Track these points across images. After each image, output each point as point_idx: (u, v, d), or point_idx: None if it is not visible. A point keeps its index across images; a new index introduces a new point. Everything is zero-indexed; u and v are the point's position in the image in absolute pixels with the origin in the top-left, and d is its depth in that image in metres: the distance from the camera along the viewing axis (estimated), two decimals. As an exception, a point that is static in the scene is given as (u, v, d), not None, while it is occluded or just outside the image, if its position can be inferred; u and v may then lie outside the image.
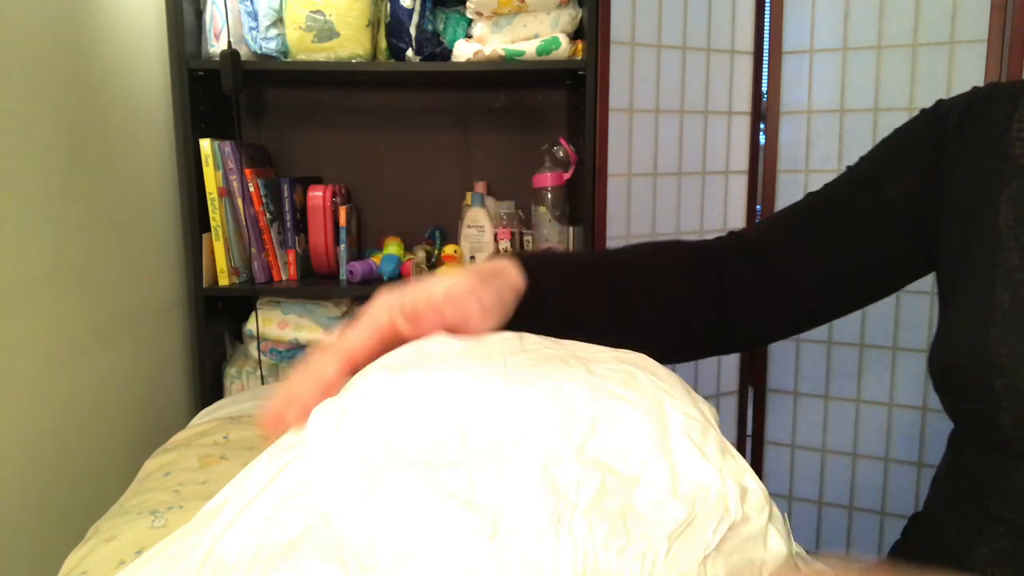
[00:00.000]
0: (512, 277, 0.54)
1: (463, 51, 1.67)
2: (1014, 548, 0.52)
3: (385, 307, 0.48)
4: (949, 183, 0.63)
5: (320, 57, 1.63)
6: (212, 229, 1.66)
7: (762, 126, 1.94)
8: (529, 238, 1.85)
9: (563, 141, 1.83)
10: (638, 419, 0.35)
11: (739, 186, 1.94)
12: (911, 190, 0.65)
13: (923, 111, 0.67)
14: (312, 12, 1.59)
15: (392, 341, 0.47)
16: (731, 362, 2.01)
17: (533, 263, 0.57)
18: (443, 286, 0.48)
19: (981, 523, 0.55)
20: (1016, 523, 0.52)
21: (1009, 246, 0.57)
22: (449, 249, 1.78)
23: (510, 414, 0.35)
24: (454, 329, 0.47)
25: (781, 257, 0.68)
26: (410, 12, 1.65)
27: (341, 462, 0.35)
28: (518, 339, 0.47)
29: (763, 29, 1.89)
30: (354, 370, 0.44)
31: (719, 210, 1.93)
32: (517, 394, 0.36)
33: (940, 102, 0.66)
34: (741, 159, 1.94)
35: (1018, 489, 0.53)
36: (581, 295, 0.60)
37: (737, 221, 1.94)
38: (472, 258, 1.80)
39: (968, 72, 1.67)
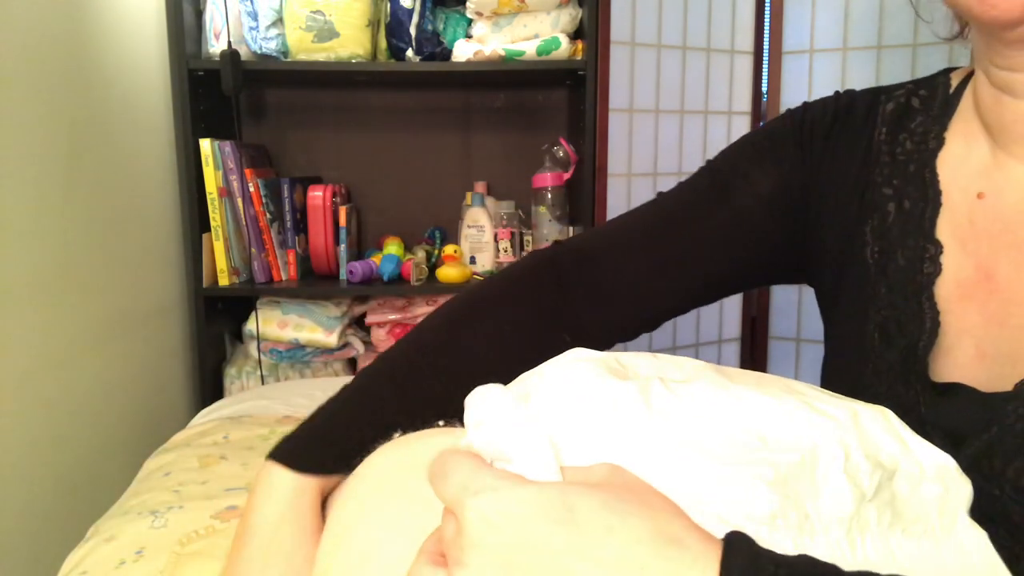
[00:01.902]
0: (297, 515, 0.51)
1: (463, 51, 1.67)
2: None
3: None
4: (817, 199, 0.61)
5: (320, 57, 1.63)
6: (212, 229, 1.66)
7: (762, 126, 1.94)
8: (529, 238, 1.86)
9: (563, 141, 1.83)
10: (875, 418, 0.41)
11: (739, 186, 1.94)
12: (766, 198, 0.62)
13: (790, 111, 0.65)
14: (312, 12, 1.59)
15: None
16: (731, 363, 2.01)
17: (305, 445, 0.54)
18: None
19: None
20: None
21: (876, 280, 0.56)
22: (449, 249, 1.78)
23: (791, 420, 0.40)
24: None
25: (622, 273, 0.64)
26: (410, 12, 1.65)
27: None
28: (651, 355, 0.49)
29: (763, 29, 1.89)
30: None
31: (719, 210, 1.93)
32: (783, 404, 0.41)
33: (807, 106, 0.64)
34: (741, 159, 1.94)
35: None
36: (388, 423, 0.54)
37: (737, 221, 1.95)
38: (472, 259, 1.80)
39: (968, 72, 1.67)
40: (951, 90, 0.57)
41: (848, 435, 0.38)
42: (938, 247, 0.54)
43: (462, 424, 0.42)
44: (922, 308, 0.53)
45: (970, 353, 0.52)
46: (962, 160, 0.55)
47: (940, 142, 0.56)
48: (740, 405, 0.40)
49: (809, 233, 0.63)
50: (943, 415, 0.51)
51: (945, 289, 0.53)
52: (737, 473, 0.36)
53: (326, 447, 0.53)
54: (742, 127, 1.93)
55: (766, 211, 0.62)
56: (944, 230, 0.54)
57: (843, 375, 0.59)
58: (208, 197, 1.64)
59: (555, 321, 0.63)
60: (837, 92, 0.64)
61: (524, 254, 1.84)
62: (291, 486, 0.51)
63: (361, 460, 0.51)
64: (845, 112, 0.62)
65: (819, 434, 0.38)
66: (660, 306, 0.66)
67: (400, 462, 0.46)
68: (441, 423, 0.51)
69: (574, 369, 0.43)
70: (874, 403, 0.55)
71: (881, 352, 0.55)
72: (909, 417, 0.53)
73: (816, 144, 0.62)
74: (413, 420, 0.53)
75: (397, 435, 0.51)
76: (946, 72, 0.59)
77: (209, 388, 1.72)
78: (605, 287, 0.64)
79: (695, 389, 0.42)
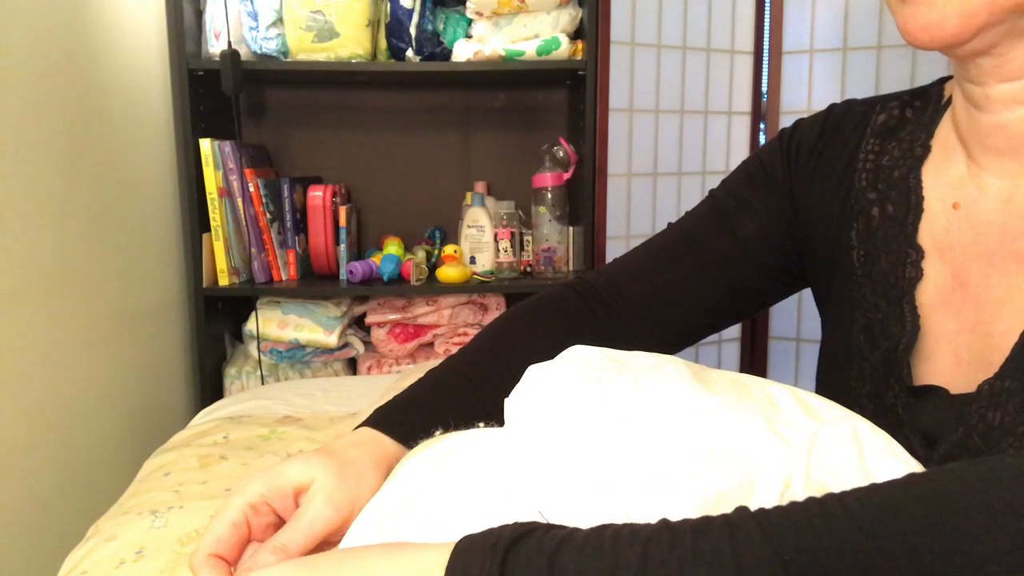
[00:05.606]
0: (377, 451, 0.52)
1: (463, 51, 1.67)
2: None
3: (239, 503, 0.46)
4: (806, 210, 0.63)
5: (320, 57, 1.63)
6: (212, 229, 1.66)
7: (762, 126, 1.94)
8: (529, 238, 1.85)
9: (563, 141, 1.83)
10: (842, 441, 0.41)
11: (739, 186, 1.94)
12: (765, 224, 0.65)
13: (782, 131, 0.67)
14: (312, 12, 1.59)
15: (252, 532, 0.46)
16: (731, 363, 2.01)
17: (397, 415, 0.56)
18: (297, 478, 0.47)
19: None
20: None
21: (862, 282, 0.58)
22: (449, 249, 1.78)
23: (742, 438, 0.40)
24: (306, 528, 0.46)
25: (640, 301, 0.68)
26: (410, 12, 1.65)
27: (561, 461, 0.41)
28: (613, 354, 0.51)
29: (763, 29, 1.89)
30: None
31: (719, 210, 1.93)
32: (741, 420, 0.41)
33: (798, 123, 0.66)
34: (741, 159, 1.94)
35: None
36: (467, 407, 0.59)
37: (737, 221, 1.95)
38: (472, 259, 1.80)
39: (968, 72, 1.67)
40: (943, 100, 0.58)
41: (796, 463, 0.39)
42: (919, 252, 0.55)
43: (500, 425, 0.49)
44: (903, 312, 0.54)
45: (948, 359, 0.53)
46: (942, 170, 0.56)
47: (926, 150, 0.57)
48: (697, 415, 0.41)
49: (804, 244, 0.65)
50: (918, 417, 0.53)
51: (926, 295, 0.54)
52: (672, 486, 0.38)
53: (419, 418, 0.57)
54: (742, 127, 1.93)
55: (767, 236, 0.65)
56: (925, 237, 0.55)
57: (832, 377, 0.61)
58: (208, 197, 1.64)
59: (582, 337, 0.66)
60: (832, 105, 0.65)
61: (524, 254, 1.84)
62: (372, 436, 0.54)
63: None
64: (833, 127, 0.63)
65: (764, 459, 0.39)
66: (677, 324, 0.69)
67: (436, 461, 0.48)
68: (481, 424, 0.53)
69: (558, 376, 0.47)
70: (858, 404, 0.55)
71: (866, 354, 0.57)
72: (888, 419, 0.54)
73: (801, 161, 0.64)
74: (459, 420, 0.57)
75: (438, 432, 0.54)
76: (941, 81, 0.60)
77: (209, 388, 1.72)
78: (624, 306, 0.68)
79: (666, 391, 0.44)
